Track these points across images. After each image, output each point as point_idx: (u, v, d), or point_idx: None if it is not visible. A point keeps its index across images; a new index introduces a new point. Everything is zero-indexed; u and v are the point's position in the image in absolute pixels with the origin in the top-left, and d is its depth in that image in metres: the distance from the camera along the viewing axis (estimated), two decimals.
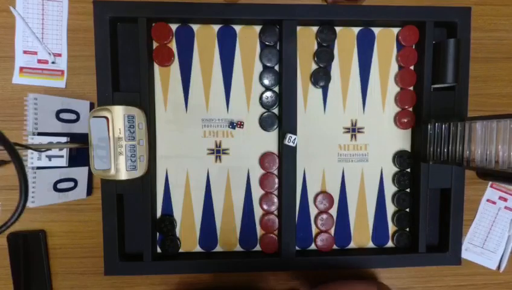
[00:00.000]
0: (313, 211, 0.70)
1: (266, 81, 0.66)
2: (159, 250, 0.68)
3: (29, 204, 0.59)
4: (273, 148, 0.68)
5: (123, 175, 0.57)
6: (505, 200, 0.73)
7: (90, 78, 0.64)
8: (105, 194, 0.63)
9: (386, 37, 0.68)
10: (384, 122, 0.69)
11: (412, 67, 0.68)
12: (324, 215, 0.69)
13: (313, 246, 0.70)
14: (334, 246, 0.70)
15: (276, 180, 0.67)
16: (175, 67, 0.66)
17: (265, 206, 0.68)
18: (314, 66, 0.67)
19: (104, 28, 0.61)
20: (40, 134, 0.60)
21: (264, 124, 0.67)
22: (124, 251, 0.67)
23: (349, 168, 0.69)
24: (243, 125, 0.67)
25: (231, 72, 0.67)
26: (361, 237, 0.70)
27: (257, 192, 0.69)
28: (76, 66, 0.66)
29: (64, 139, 0.62)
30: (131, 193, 0.65)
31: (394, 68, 0.68)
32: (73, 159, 0.64)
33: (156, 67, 0.66)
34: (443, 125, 0.61)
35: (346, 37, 0.68)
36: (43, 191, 0.61)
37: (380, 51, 0.68)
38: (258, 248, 0.69)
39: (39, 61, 0.65)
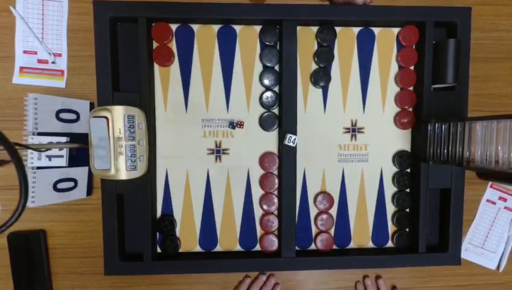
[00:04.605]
0: (313, 211, 0.70)
1: (266, 81, 0.66)
2: (159, 250, 0.68)
3: (29, 204, 0.59)
4: (273, 148, 0.68)
5: (123, 175, 0.57)
6: (505, 200, 0.73)
7: (90, 78, 0.64)
8: (105, 194, 0.63)
9: (386, 37, 0.68)
10: (384, 122, 0.69)
11: (412, 67, 0.68)
12: (324, 216, 0.69)
13: (313, 246, 0.70)
14: (334, 246, 0.70)
15: (276, 180, 0.67)
16: (175, 67, 0.66)
17: (265, 206, 0.68)
18: (314, 66, 0.67)
19: (104, 28, 0.61)
20: (40, 134, 0.60)
21: (264, 124, 0.67)
22: (124, 251, 0.67)
23: (349, 168, 0.69)
24: (243, 125, 0.67)
25: (231, 72, 0.67)
26: (361, 237, 0.70)
27: (257, 192, 0.69)
28: (76, 66, 0.66)
29: (64, 139, 0.62)
30: (131, 193, 0.65)
31: (394, 68, 0.68)
32: (73, 159, 0.64)
33: (156, 67, 0.66)
34: (443, 126, 0.61)
35: (346, 37, 0.68)
36: (43, 191, 0.61)
37: (380, 51, 0.68)
38: (258, 248, 0.69)
39: (39, 61, 0.65)
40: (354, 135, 0.69)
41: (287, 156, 0.65)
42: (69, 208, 0.67)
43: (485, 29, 0.71)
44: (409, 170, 0.70)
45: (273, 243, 0.68)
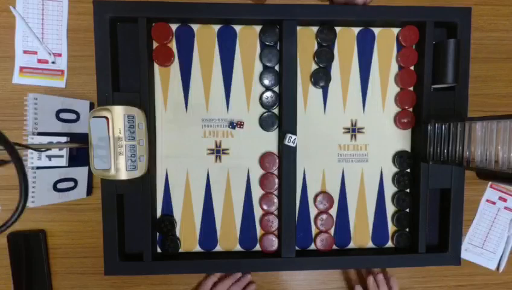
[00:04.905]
0: (313, 211, 0.70)
1: (266, 81, 0.66)
2: (159, 250, 0.68)
3: (29, 204, 0.59)
4: (273, 148, 0.68)
5: (123, 175, 0.57)
6: (505, 200, 0.73)
7: (90, 78, 0.64)
8: (105, 194, 0.63)
9: (386, 37, 0.68)
10: (384, 122, 0.69)
11: (412, 68, 0.68)
12: (324, 216, 0.69)
13: (312, 246, 0.70)
14: (334, 246, 0.70)
15: (276, 180, 0.67)
16: (175, 67, 0.66)
17: (265, 206, 0.68)
18: (314, 66, 0.67)
19: (104, 28, 0.61)
20: (40, 134, 0.60)
21: (264, 124, 0.67)
22: (124, 251, 0.67)
23: (349, 168, 0.69)
24: (243, 125, 0.67)
25: (231, 72, 0.67)
26: (361, 237, 0.70)
27: (257, 192, 0.69)
28: (76, 66, 0.66)
29: (64, 139, 0.62)
30: (131, 193, 0.65)
31: (394, 68, 0.68)
32: (73, 159, 0.64)
33: (156, 67, 0.66)
34: (443, 126, 0.61)
35: (346, 37, 0.68)
36: (43, 191, 0.61)
37: (380, 51, 0.68)
38: (258, 248, 0.69)
39: (39, 61, 0.65)
40: (354, 135, 0.69)
41: (287, 156, 0.65)
42: (69, 208, 0.67)
43: (485, 29, 0.71)
44: (409, 170, 0.70)
45: (273, 243, 0.68)
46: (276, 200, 0.68)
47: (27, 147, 0.51)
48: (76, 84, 0.66)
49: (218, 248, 0.69)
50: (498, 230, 0.73)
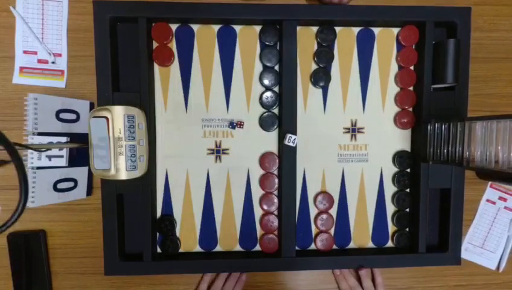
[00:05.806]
0: (313, 211, 0.70)
1: (266, 81, 0.66)
2: (159, 250, 0.68)
3: (29, 204, 0.59)
4: (273, 148, 0.68)
5: (123, 175, 0.57)
6: (505, 200, 0.73)
7: (90, 78, 0.64)
8: (105, 194, 0.63)
9: (386, 37, 0.68)
10: (384, 122, 0.69)
11: (412, 68, 0.68)
12: (324, 216, 0.69)
13: (312, 246, 0.70)
14: (334, 246, 0.70)
15: (276, 180, 0.67)
16: (175, 67, 0.66)
17: (265, 206, 0.68)
18: (314, 66, 0.67)
19: (104, 28, 0.61)
20: (40, 134, 0.60)
21: (264, 124, 0.67)
22: (124, 251, 0.67)
23: (349, 168, 0.69)
24: (242, 125, 0.67)
25: (231, 72, 0.67)
26: (361, 237, 0.70)
27: (257, 192, 0.69)
28: (76, 66, 0.66)
29: (64, 139, 0.62)
30: (131, 193, 0.65)
31: (394, 68, 0.68)
32: (73, 159, 0.64)
33: (156, 67, 0.66)
34: (443, 126, 0.61)
35: (346, 37, 0.68)
36: (43, 191, 0.61)
37: (380, 51, 0.68)
38: (258, 248, 0.69)
39: (39, 61, 0.65)
40: (354, 135, 0.69)
41: (287, 156, 0.65)
42: (69, 208, 0.67)
43: (485, 29, 0.71)
44: (409, 170, 0.70)
45: (273, 243, 0.68)
46: (276, 200, 0.68)
47: (27, 147, 0.51)
48: (76, 84, 0.66)
49: (218, 248, 0.69)
50: (498, 230, 0.73)
